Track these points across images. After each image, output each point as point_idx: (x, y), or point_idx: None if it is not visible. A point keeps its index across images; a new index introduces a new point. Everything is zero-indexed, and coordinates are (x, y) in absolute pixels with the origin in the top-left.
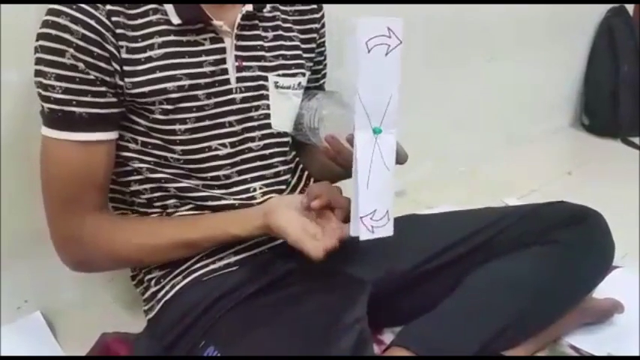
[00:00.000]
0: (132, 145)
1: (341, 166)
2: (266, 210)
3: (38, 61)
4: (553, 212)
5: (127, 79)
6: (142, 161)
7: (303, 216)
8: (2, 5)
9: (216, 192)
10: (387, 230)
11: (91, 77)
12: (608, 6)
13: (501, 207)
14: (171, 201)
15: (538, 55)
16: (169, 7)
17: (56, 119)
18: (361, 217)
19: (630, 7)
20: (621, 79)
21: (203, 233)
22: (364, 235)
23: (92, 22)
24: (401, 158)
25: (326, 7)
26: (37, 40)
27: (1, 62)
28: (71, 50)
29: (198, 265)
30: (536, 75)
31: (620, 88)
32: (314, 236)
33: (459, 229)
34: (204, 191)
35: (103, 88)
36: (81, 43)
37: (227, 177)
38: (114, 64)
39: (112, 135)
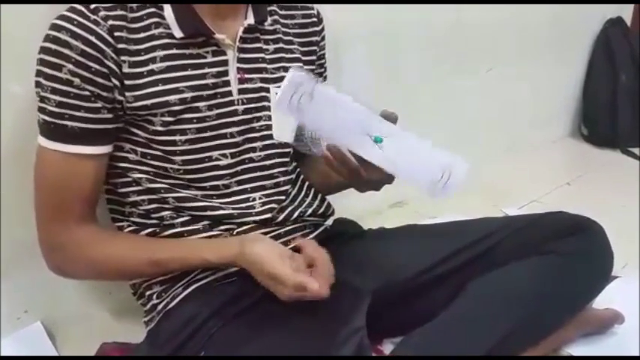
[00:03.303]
0: (131, 156)
1: (342, 175)
2: (246, 238)
3: (38, 74)
4: (552, 222)
5: (128, 93)
6: (141, 171)
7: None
8: (8, 17)
9: (215, 202)
10: (456, 181)
11: (86, 93)
12: (607, 16)
13: (501, 217)
14: (168, 212)
15: (537, 66)
16: (172, 21)
17: (50, 130)
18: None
19: (628, 18)
20: (619, 89)
21: (175, 254)
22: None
23: (92, 39)
24: None
25: (325, 15)
26: (39, 54)
27: (5, 74)
28: (69, 65)
29: (198, 276)
30: (535, 85)
31: (618, 98)
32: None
33: (459, 239)
34: (202, 201)
35: (99, 104)
36: (79, 59)
37: (226, 187)
38: (113, 79)
39: (103, 149)
